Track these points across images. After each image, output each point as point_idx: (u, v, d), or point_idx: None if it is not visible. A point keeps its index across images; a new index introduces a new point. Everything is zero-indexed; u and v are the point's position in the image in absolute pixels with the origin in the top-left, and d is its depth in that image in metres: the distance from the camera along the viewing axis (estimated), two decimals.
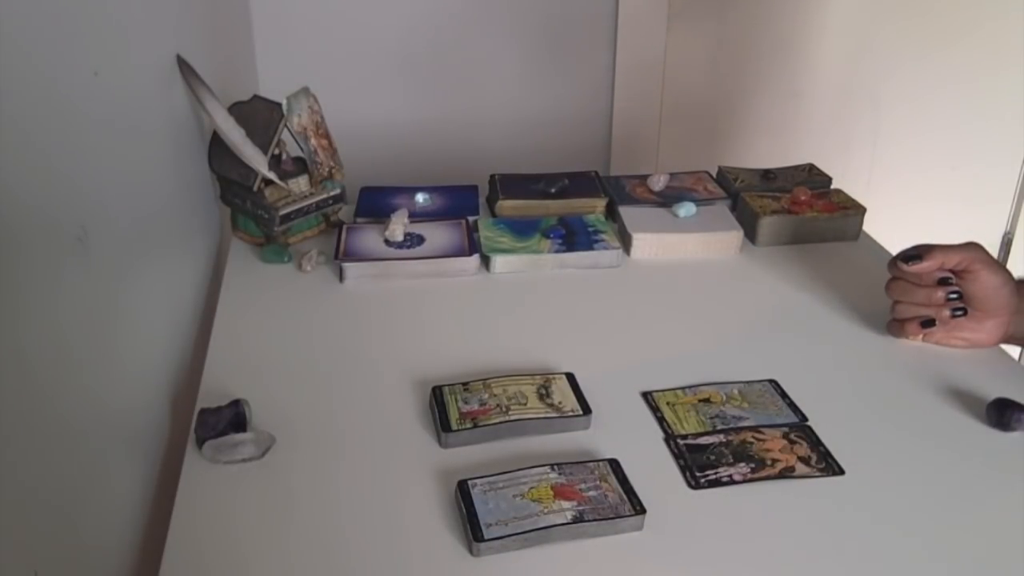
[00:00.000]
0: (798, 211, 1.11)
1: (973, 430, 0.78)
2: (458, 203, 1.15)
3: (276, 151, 1.04)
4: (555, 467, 0.70)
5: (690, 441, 0.76)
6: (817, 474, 0.72)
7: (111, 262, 0.70)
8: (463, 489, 0.68)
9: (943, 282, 0.86)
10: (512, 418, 0.75)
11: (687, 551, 0.65)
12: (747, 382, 0.83)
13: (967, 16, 1.85)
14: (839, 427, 0.78)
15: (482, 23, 1.70)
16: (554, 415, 0.76)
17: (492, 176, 1.19)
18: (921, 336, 0.89)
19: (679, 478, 0.72)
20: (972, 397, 0.82)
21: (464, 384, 0.80)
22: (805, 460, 0.74)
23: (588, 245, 1.05)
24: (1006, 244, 2.04)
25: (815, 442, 0.76)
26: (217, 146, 1.03)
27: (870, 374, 0.86)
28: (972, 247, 0.85)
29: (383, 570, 0.63)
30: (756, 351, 0.89)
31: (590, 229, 1.08)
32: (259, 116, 1.03)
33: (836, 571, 0.64)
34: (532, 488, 0.68)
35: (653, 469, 0.72)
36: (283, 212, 1.04)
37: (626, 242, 1.08)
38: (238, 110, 1.02)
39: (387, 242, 1.04)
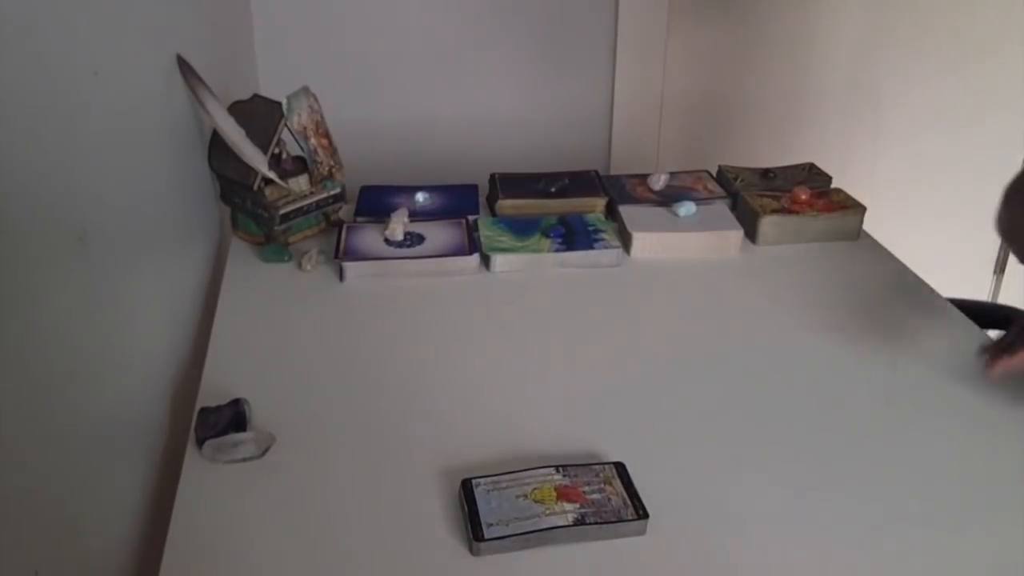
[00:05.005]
0: (798, 210, 1.11)
1: (975, 427, 0.78)
2: (458, 202, 1.15)
3: (276, 150, 1.04)
4: (560, 468, 0.70)
5: None
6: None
7: (111, 262, 0.69)
8: (466, 488, 0.68)
9: None
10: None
11: (691, 557, 0.65)
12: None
13: (968, 16, 1.85)
14: (838, 426, 0.78)
15: (482, 23, 1.70)
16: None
17: (492, 175, 1.19)
18: None
19: (684, 481, 0.72)
20: (980, 390, 0.82)
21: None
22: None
23: (588, 244, 1.05)
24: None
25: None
26: (217, 145, 1.03)
27: (869, 372, 0.86)
28: None
29: (383, 569, 0.63)
30: (755, 349, 0.89)
31: (590, 228, 1.08)
32: (259, 115, 1.03)
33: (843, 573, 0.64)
34: (536, 489, 0.68)
35: (658, 472, 0.72)
36: (283, 211, 1.04)
37: (626, 241, 1.08)
38: (238, 110, 1.02)
39: (387, 241, 1.04)
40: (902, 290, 1.01)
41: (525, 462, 0.71)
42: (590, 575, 0.63)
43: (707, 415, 0.79)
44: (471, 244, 1.04)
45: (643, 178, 1.20)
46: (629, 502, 0.67)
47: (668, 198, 1.14)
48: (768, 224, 1.10)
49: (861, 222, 1.13)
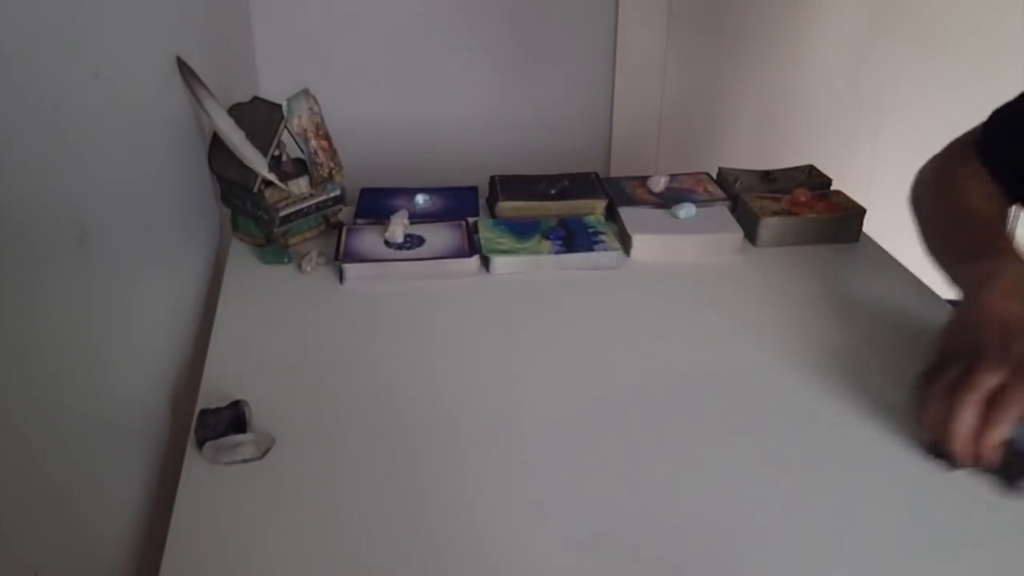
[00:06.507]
0: (798, 212, 1.11)
1: None
2: (458, 204, 1.15)
3: (276, 152, 1.04)
4: None
5: None
6: None
7: (111, 262, 0.69)
8: None
9: None
10: None
11: (691, 561, 0.65)
12: None
13: (967, 17, 1.85)
14: (839, 429, 0.78)
15: (482, 23, 1.70)
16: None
17: (492, 177, 1.19)
18: None
19: (684, 486, 0.72)
20: None
21: None
22: None
23: (588, 246, 1.05)
24: None
25: None
26: (217, 147, 1.03)
27: (870, 375, 0.86)
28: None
29: (382, 570, 0.63)
30: (756, 351, 0.89)
31: (590, 230, 1.08)
32: (259, 117, 1.03)
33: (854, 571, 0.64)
34: None
35: (657, 475, 0.72)
36: (283, 213, 1.04)
37: (626, 243, 1.08)
38: (238, 111, 1.02)
39: (387, 243, 1.04)
40: (902, 292, 1.02)
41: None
42: None
43: (707, 418, 0.79)
44: (471, 246, 1.04)
45: (643, 180, 1.20)
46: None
47: (668, 200, 1.14)
48: (768, 226, 1.10)
49: (861, 224, 1.13)
